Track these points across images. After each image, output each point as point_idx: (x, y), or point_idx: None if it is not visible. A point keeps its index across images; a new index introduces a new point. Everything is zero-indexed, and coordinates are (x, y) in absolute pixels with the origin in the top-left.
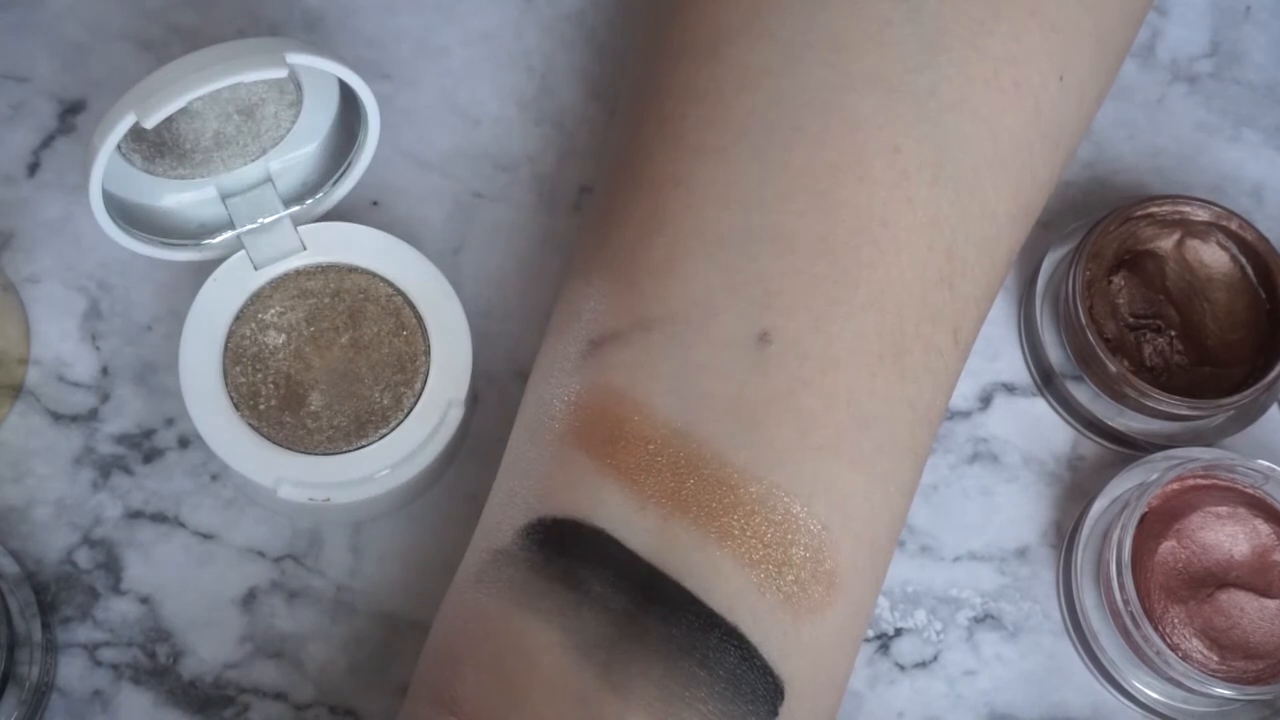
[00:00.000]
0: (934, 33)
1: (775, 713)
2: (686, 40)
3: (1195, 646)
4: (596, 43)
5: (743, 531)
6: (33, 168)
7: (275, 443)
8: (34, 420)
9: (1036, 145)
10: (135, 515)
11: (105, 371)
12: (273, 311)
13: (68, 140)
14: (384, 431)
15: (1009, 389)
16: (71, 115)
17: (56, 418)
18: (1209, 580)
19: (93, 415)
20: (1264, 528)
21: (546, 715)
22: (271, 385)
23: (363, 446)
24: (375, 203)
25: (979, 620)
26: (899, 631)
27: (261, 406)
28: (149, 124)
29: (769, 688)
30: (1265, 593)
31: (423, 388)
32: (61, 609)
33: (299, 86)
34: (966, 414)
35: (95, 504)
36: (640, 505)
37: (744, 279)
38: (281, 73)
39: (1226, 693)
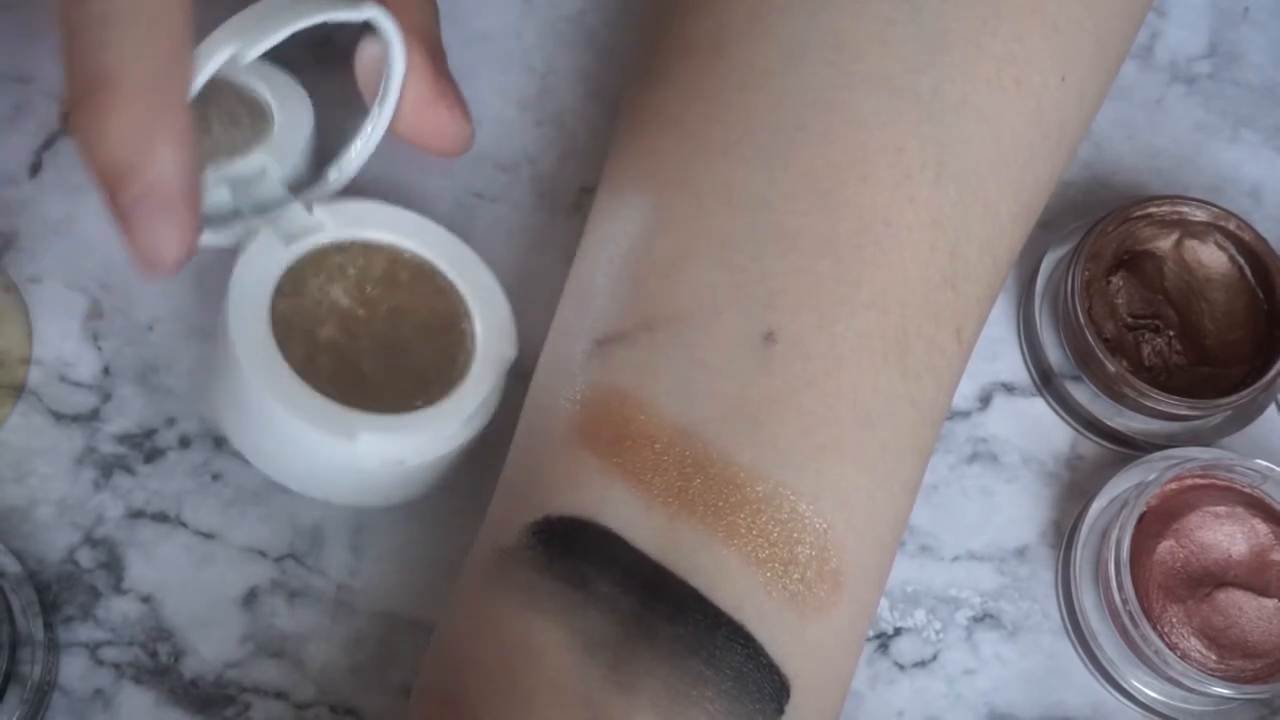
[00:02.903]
0: (936, 32)
1: (781, 711)
2: (689, 40)
3: (1194, 646)
4: (597, 43)
5: (749, 530)
6: (35, 168)
7: (346, 404)
8: (36, 420)
9: (1038, 145)
10: (137, 515)
11: (107, 371)
12: (311, 285)
13: (70, 141)
14: (446, 389)
15: (1008, 389)
16: None
17: (58, 417)
18: (1207, 579)
19: (94, 415)
20: (1262, 527)
21: (553, 715)
22: (324, 355)
23: (431, 404)
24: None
25: (978, 620)
26: (898, 631)
27: (322, 374)
28: (247, 59)
29: (775, 686)
30: (1263, 592)
31: (473, 345)
32: (63, 608)
33: (267, 99)
34: (966, 414)
35: (97, 503)
36: (646, 504)
37: (748, 278)
38: (363, 15)
39: (1225, 692)
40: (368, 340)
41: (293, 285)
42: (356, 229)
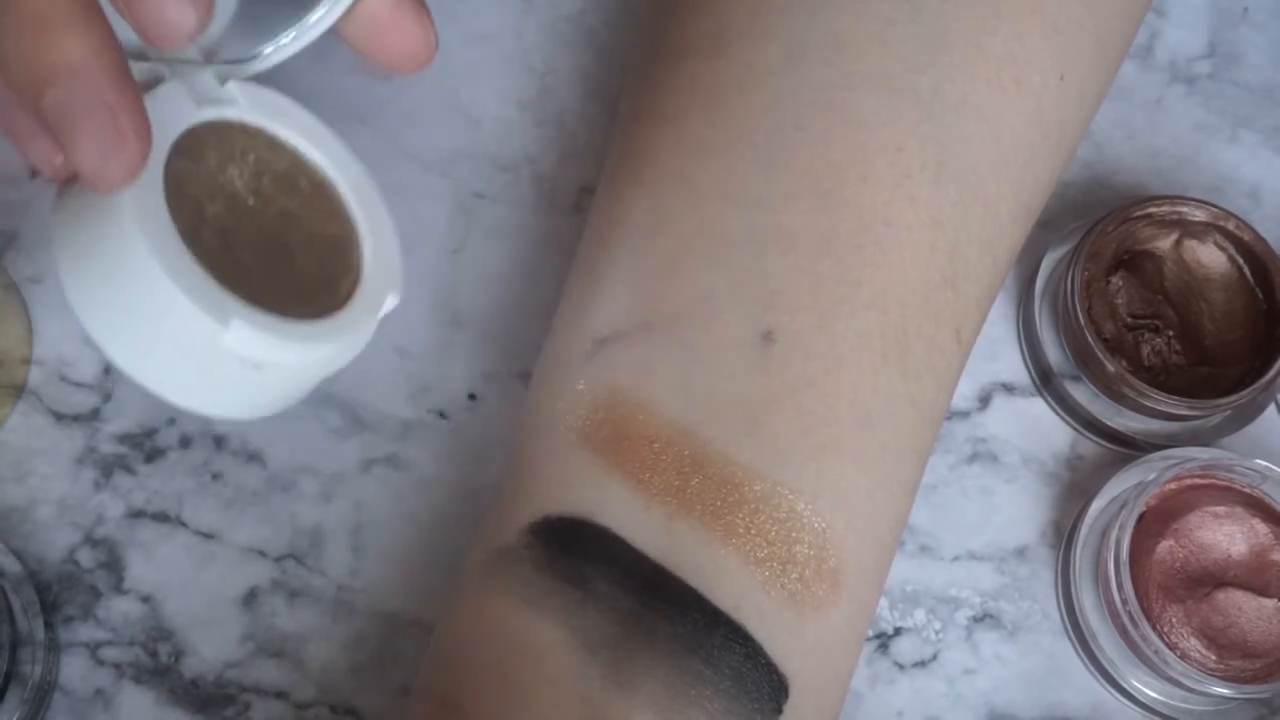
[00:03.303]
0: (936, 32)
1: (780, 710)
2: (689, 40)
3: (1193, 645)
4: (597, 43)
5: (747, 529)
6: (35, 169)
7: (224, 286)
8: (36, 420)
9: (1038, 144)
10: (137, 515)
11: (107, 371)
12: (210, 155)
13: None
14: (322, 310)
15: (1008, 389)
16: None
17: (59, 417)
18: (1207, 579)
19: (94, 415)
20: (1261, 527)
21: (552, 714)
22: (209, 230)
23: (306, 318)
24: None
25: (978, 620)
26: (898, 631)
27: (204, 247)
28: None
29: (774, 685)
30: (1263, 592)
31: (358, 279)
32: (64, 608)
33: None
34: (965, 414)
35: (97, 503)
36: (645, 504)
37: (747, 278)
38: None
39: (1224, 691)
40: (252, 233)
41: (191, 145)
42: (272, 121)
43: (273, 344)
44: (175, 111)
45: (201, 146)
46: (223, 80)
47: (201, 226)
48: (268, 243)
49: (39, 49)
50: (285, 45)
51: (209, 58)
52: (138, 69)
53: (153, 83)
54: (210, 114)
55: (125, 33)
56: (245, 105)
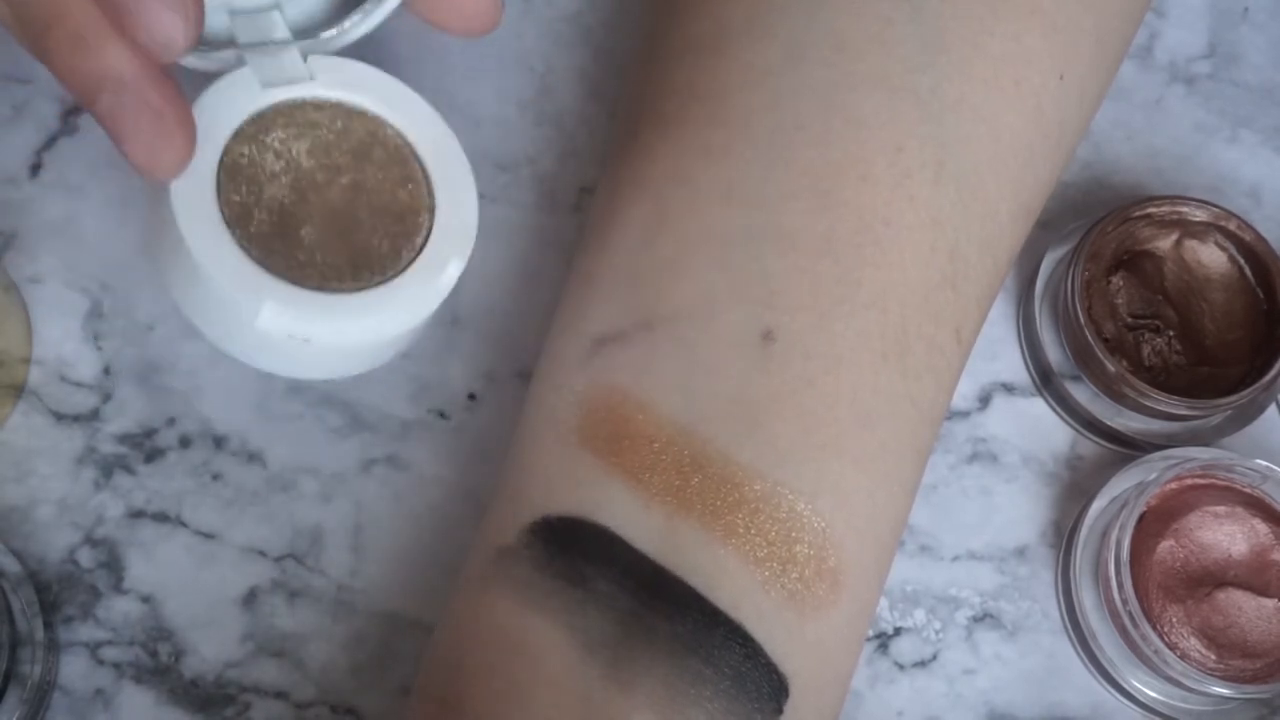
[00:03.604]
0: (935, 32)
1: (780, 710)
2: (688, 40)
3: (1193, 645)
4: (596, 43)
5: (747, 529)
6: (35, 168)
7: (265, 267)
8: (36, 420)
9: (1037, 144)
10: (137, 515)
11: (107, 371)
12: (274, 136)
13: (70, 141)
14: (379, 280)
15: (1008, 389)
16: (74, 116)
17: (59, 417)
18: (1207, 579)
19: (95, 415)
20: (1262, 527)
21: (552, 714)
22: (265, 210)
23: (356, 290)
24: None
25: (978, 619)
26: (898, 631)
27: (253, 229)
28: None
29: (774, 685)
30: (1263, 592)
31: (424, 244)
32: (63, 608)
33: None
34: (965, 414)
35: (97, 503)
36: (645, 503)
37: (747, 278)
38: None
39: (1224, 691)
40: (317, 207)
41: (256, 130)
42: (347, 90)
43: (312, 320)
44: (240, 98)
45: (268, 129)
46: (306, 56)
47: (256, 208)
48: (332, 217)
49: (86, 62)
50: (365, 20)
51: (299, 34)
52: (217, 57)
53: (227, 69)
54: (280, 95)
55: (215, 21)
56: (322, 80)
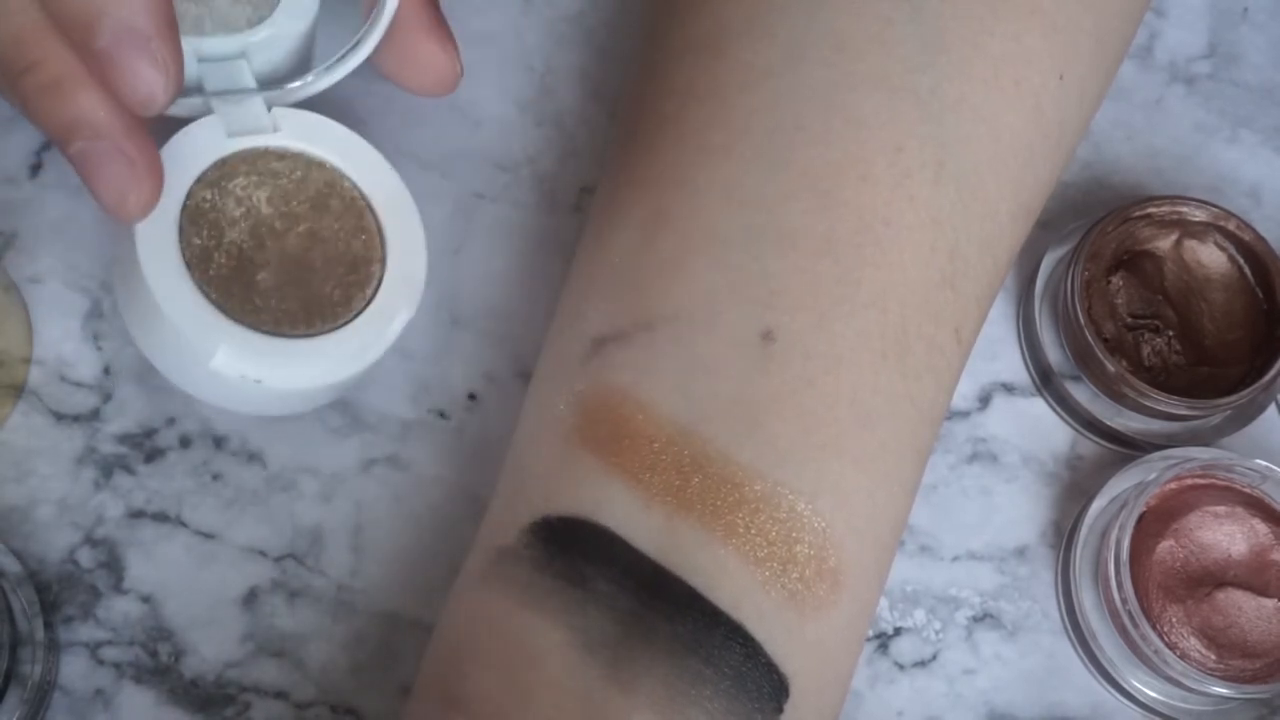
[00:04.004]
0: (935, 32)
1: (780, 710)
2: (688, 40)
3: (1193, 645)
4: (596, 43)
5: (747, 529)
6: (35, 168)
7: (222, 310)
8: (36, 420)
9: (1037, 144)
10: (137, 515)
11: (107, 371)
12: (236, 182)
13: None
14: (331, 326)
15: (1008, 389)
16: None
17: (59, 417)
18: (1207, 579)
19: (95, 415)
20: (1261, 527)
21: (552, 714)
22: (224, 254)
23: (307, 336)
24: None
25: (978, 620)
26: (898, 631)
27: (212, 272)
28: None
29: (774, 685)
30: (1263, 592)
31: (374, 294)
32: (63, 608)
33: None
34: (965, 414)
35: (97, 503)
36: (645, 504)
37: (747, 278)
38: None
39: (1224, 691)
40: (273, 253)
41: (219, 176)
42: (307, 142)
43: (263, 364)
44: (206, 144)
45: (231, 175)
46: (270, 106)
47: (217, 251)
48: (288, 263)
49: (61, 108)
50: (328, 74)
51: (264, 84)
52: (185, 103)
53: (189, 118)
54: (244, 143)
55: (191, 39)
56: (285, 130)
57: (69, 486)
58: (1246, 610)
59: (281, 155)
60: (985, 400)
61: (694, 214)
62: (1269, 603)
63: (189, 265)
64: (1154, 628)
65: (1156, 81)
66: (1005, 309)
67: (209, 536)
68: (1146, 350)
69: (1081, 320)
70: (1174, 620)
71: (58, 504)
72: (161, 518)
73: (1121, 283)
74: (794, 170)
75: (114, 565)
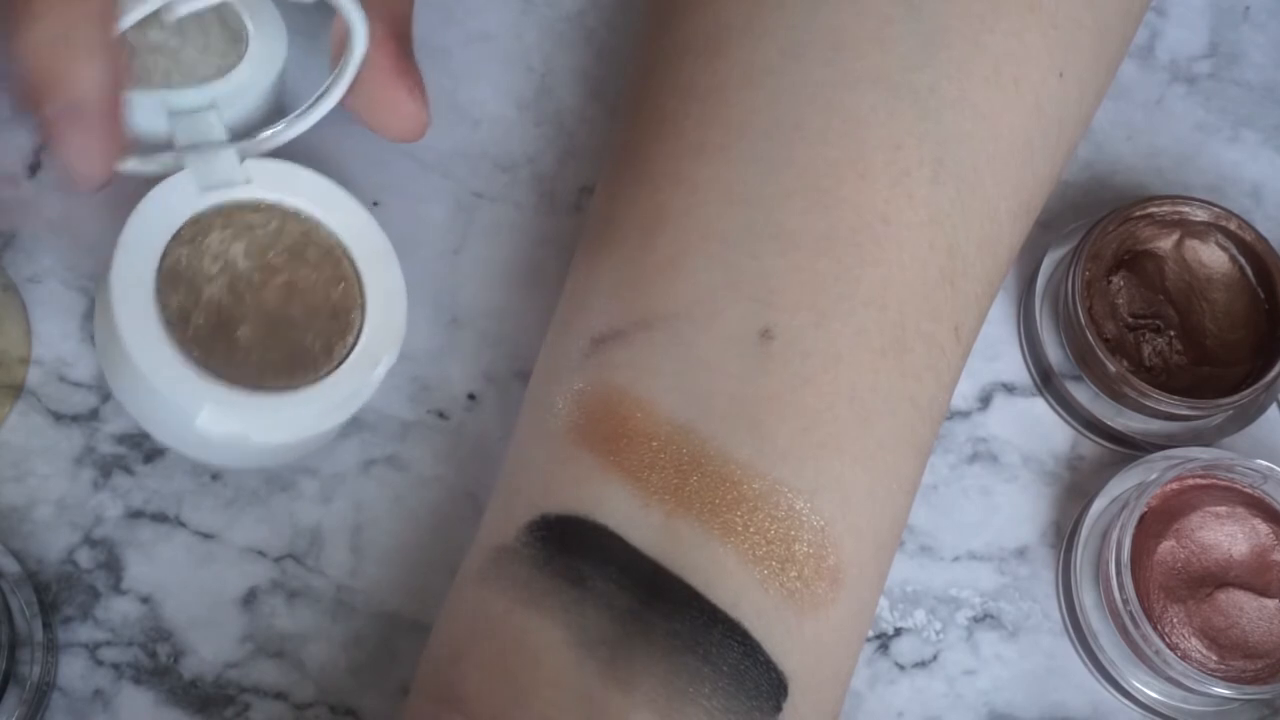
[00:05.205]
0: (934, 30)
1: (779, 708)
2: (687, 39)
3: (1194, 646)
4: (596, 43)
5: (745, 528)
6: (34, 168)
7: (204, 368)
8: (35, 420)
9: (1037, 142)
10: (136, 515)
11: None
12: (212, 238)
13: None
14: (312, 378)
15: (1008, 389)
16: None
17: (57, 417)
18: (1208, 580)
19: (93, 415)
20: (1263, 527)
21: (550, 712)
22: (203, 312)
23: (290, 389)
24: (376, 203)
25: (978, 620)
26: (898, 631)
27: (191, 331)
28: (179, 13)
29: (772, 684)
30: (1264, 592)
31: (355, 342)
32: (62, 608)
33: (246, 28)
34: (966, 414)
35: (96, 503)
36: (643, 502)
37: (746, 276)
38: None
39: (1225, 692)
40: (252, 307)
41: (194, 233)
42: (281, 192)
43: (249, 420)
44: (178, 203)
45: (205, 231)
46: (243, 158)
47: (195, 310)
48: (268, 316)
49: (58, 68)
50: (299, 122)
51: (236, 135)
52: (159, 161)
53: (162, 174)
54: (218, 198)
55: (152, 122)
56: (259, 182)
57: (68, 486)
58: (1248, 611)
59: (255, 207)
60: (986, 400)
61: (693, 212)
62: (1270, 603)
63: (168, 326)
64: (1155, 628)
65: (1157, 81)
66: (1005, 309)
67: (208, 537)
68: (1147, 350)
69: (1082, 320)
70: (1175, 621)
71: (56, 504)
72: (160, 518)
73: (1122, 282)
74: (793, 169)
75: (113, 565)
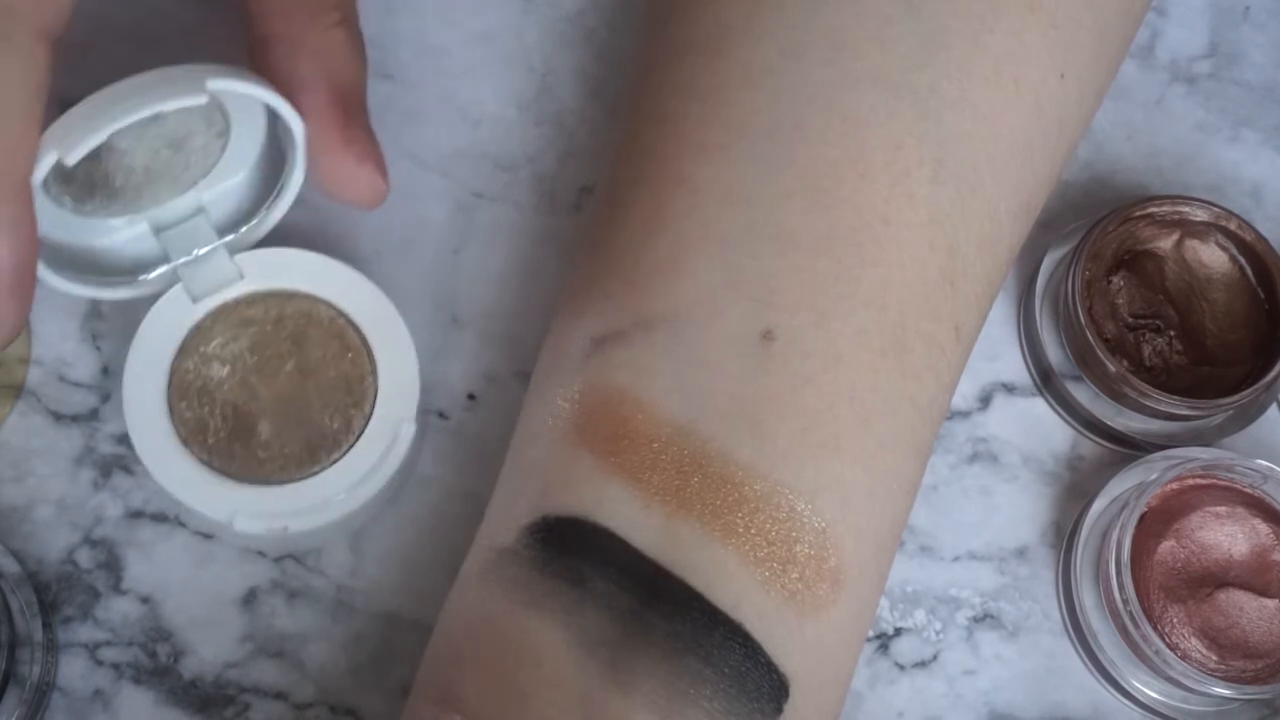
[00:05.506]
0: (935, 30)
1: (780, 710)
2: (688, 39)
3: (1194, 646)
4: (596, 43)
5: (746, 529)
6: None
7: (228, 475)
8: (35, 420)
9: (1037, 142)
10: (136, 515)
11: (106, 371)
12: (215, 343)
13: None
14: (336, 456)
15: (1008, 389)
16: None
17: (57, 417)
18: (1208, 580)
19: (93, 415)
20: (1263, 527)
21: (551, 714)
22: (219, 418)
23: (316, 473)
24: None
25: (978, 620)
26: (898, 631)
27: (210, 440)
28: (71, 160)
29: (773, 685)
30: (1264, 592)
31: (372, 409)
32: (62, 608)
33: (225, 114)
34: (966, 414)
35: (96, 503)
36: (644, 503)
37: (746, 277)
38: (202, 99)
39: (1225, 692)
40: (267, 401)
41: (197, 343)
42: (274, 280)
43: (282, 514)
44: (176, 318)
45: (208, 338)
46: (233, 253)
47: (211, 418)
48: (284, 406)
49: None
50: (275, 206)
51: (222, 232)
52: (154, 280)
53: (159, 292)
54: (213, 302)
55: (142, 246)
56: (251, 275)
57: (68, 487)
58: (1248, 611)
59: (252, 301)
60: (986, 400)
61: (693, 213)
62: (1270, 603)
63: (185, 442)
64: (1155, 628)
65: (1158, 81)
66: (1005, 309)
67: (208, 537)
68: (1147, 350)
69: (1082, 320)
70: (1175, 621)
71: (56, 504)
72: (160, 518)
73: (1122, 282)
74: (793, 169)
75: (113, 565)
